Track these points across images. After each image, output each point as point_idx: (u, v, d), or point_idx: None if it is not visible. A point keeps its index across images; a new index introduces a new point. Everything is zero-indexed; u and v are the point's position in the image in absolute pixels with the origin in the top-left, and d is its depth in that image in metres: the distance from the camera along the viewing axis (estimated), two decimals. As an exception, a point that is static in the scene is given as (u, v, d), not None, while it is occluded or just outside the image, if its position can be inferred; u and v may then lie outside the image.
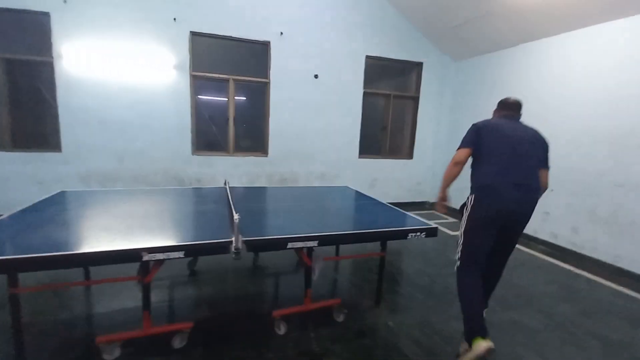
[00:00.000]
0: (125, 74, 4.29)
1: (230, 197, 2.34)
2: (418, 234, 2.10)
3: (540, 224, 4.22)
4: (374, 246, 2.67)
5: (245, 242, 1.71)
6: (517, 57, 4.62)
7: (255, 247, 1.83)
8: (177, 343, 1.92)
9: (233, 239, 1.65)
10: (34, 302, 2.33)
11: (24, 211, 2.13)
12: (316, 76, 5.12)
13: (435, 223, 2.26)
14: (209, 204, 2.61)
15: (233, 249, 1.63)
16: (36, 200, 2.38)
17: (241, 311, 2.39)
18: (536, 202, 2.01)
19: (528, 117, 4.70)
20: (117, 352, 1.81)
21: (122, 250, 1.56)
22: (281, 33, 4.83)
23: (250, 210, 2.43)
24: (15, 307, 1.71)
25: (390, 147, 5.94)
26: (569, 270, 3.48)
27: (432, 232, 2.18)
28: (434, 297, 2.72)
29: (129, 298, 2.46)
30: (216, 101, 5.01)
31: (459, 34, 5.09)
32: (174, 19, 4.34)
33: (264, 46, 4.87)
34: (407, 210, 2.68)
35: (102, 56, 4.17)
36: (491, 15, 4.36)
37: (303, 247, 1.99)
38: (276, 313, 2.14)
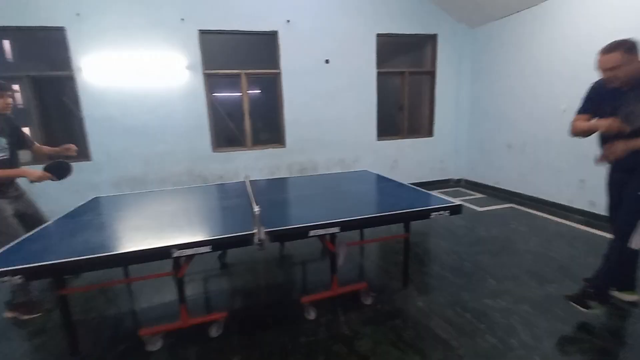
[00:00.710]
0: (142, 79, 4.41)
1: (250, 191, 2.38)
2: (441, 212, 2.06)
3: (576, 192, 4.01)
4: (398, 228, 2.66)
5: (267, 233, 1.75)
6: (538, 17, 4.30)
7: (277, 237, 1.86)
8: (214, 332, 2.01)
9: (255, 230, 1.69)
10: (83, 301, 2.51)
11: (64, 218, 2.28)
12: (327, 61, 5.04)
13: (461, 200, 2.20)
14: (232, 198, 2.67)
15: (256, 241, 1.68)
16: (72, 208, 2.54)
17: (272, 299, 2.47)
18: None
19: (554, 79, 4.42)
20: (159, 344, 1.94)
21: (154, 248, 1.64)
22: (288, 21, 4.76)
23: (271, 201, 2.47)
24: (65, 307, 1.86)
25: (409, 127, 5.79)
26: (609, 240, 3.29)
27: (456, 210, 2.12)
28: (464, 275, 2.67)
29: (167, 292, 2.59)
30: (231, 97, 5.07)
31: (474, 0, 4.81)
32: (182, 19, 4.38)
33: (272, 36, 4.83)
34: (432, 190, 2.63)
35: (119, 65, 4.31)
36: (508, -26, 4.07)
37: (325, 234, 2.00)
38: (305, 299, 2.20)
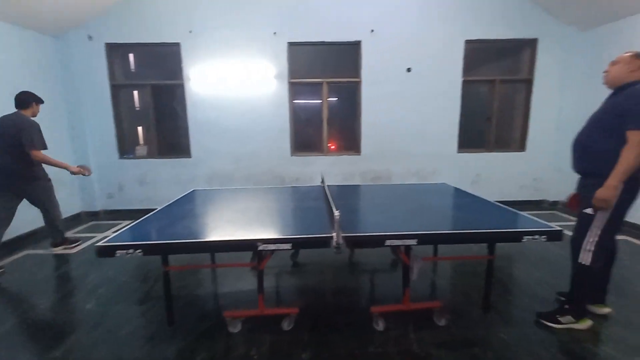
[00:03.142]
0: (236, 87, 4.93)
1: (329, 194, 2.46)
2: (537, 236, 1.84)
3: None
4: (478, 249, 2.47)
5: (345, 237, 1.79)
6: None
7: (353, 243, 1.89)
8: (286, 325, 2.13)
9: (334, 234, 1.75)
10: (177, 279, 2.89)
11: (170, 205, 2.67)
12: (409, 69, 4.94)
13: (558, 225, 1.95)
14: (309, 201, 2.80)
15: (334, 244, 1.73)
16: (175, 198, 2.95)
17: (340, 303, 2.50)
18: None
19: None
20: (239, 327, 2.12)
21: (243, 240, 1.82)
22: (372, 30, 4.81)
23: (347, 207, 2.52)
24: (167, 282, 2.17)
25: (496, 139, 5.32)
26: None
27: (554, 236, 1.88)
28: (559, 311, 2.34)
29: (244, 281, 2.83)
30: (310, 104, 5.32)
31: (588, -2, 4.22)
32: (274, 33, 4.77)
33: (355, 46, 4.94)
34: (521, 211, 2.37)
35: (219, 74, 4.89)
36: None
37: (401, 245, 1.97)
38: (374, 309, 2.18)
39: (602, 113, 2.02)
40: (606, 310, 2.26)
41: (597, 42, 4.65)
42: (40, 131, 3.16)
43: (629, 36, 4.14)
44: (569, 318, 2.11)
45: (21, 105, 3.18)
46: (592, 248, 1.97)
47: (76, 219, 4.94)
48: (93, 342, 2.07)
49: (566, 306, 2.16)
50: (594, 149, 2.00)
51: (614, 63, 2.04)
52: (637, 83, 1.90)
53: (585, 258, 1.99)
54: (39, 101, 3.30)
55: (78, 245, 3.67)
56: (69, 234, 4.32)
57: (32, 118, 3.23)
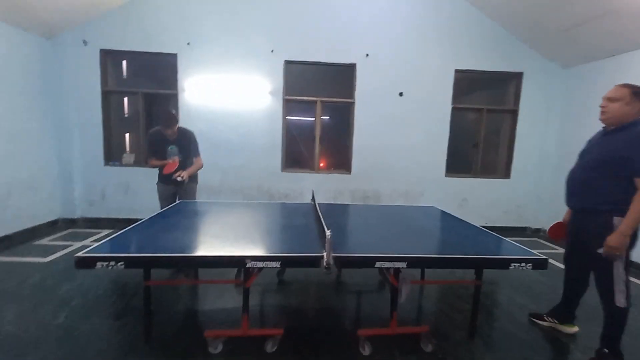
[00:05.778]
0: (230, 101, 4.94)
1: (320, 213, 2.45)
2: (523, 264, 1.87)
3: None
4: (463, 273, 2.47)
5: (335, 258, 1.77)
6: (650, 59, 3.85)
7: (343, 263, 1.87)
8: (270, 347, 2.05)
9: (324, 254, 1.73)
10: (159, 293, 2.77)
11: (156, 217, 2.60)
12: (401, 94, 5.08)
13: (541, 253, 1.98)
14: (299, 218, 2.77)
15: (324, 264, 1.71)
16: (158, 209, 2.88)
17: (326, 324, 2.45)
18: None
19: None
20: (220, 347, 2.04)
21: (231, 256, 1.78)
22: (367, 55, 4.96)
23: (337, 226, 2.50)
24: (148, 297, 2.08)
25: (482, 165, 5.46)
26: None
27: (540, 264, 1.91)
28: (541, 338, 2.35)
29: (228, 299, 2.74)
30: (303, 121, 5.38)
31: (570, 38, 4.49)
32: (272, 50, 4.86)
33: (350, 68, 5.07)
34: (505, 236, 2.41)
35: (214, 87, 4.91)
36: (612, 14, 3.75)
37: (390, 268, 1.96)
38: (361, 332, 2.14)
39: (602, 153, 1.97)
40: (574, 329, 2.41)
41: (577, 79, 4.92)
42: (150, 141, 3.43)
43: (606, 76, 4.40)
44: None
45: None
46: (623, 288, 1.95)
47: (52, 226, 4.74)
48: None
49: (605, 350, 2.04)
50: (594, 188, 1.99)
51: (612, 100, 1.90)
52: (637, 122, 1.88)
53: (622, 300, 1.95)
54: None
55: None
56: (44, 241, 4.13)
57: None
